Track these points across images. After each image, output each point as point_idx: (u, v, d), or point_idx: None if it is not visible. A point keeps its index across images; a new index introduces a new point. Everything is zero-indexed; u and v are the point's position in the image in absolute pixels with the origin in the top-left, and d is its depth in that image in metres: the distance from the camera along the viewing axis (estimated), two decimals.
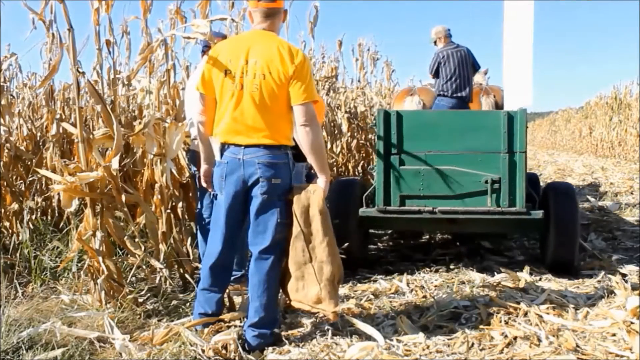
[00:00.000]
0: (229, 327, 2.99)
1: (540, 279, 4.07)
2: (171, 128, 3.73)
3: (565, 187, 4.59)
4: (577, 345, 2.85)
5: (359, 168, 8.90)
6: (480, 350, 2.87)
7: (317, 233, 2.78)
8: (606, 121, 19.07)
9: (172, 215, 3.96)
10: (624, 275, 4.11)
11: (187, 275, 3.82)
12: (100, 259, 3.28)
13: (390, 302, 3.59)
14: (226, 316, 3.04)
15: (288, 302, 2.98)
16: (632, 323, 3.02)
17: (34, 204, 4.81)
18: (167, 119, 3.92)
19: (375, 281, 4.13)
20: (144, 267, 3.69)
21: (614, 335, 2.96)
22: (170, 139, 3.73)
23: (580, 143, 22.90)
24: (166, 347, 2.80)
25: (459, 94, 5.79)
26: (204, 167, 3.05)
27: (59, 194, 3.90)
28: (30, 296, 3.57)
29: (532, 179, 5.04)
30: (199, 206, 3.88)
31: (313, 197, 2.78)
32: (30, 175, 4.89)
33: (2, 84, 4.87)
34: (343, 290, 3.84)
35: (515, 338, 2.94)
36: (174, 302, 3.55)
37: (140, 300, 3.45)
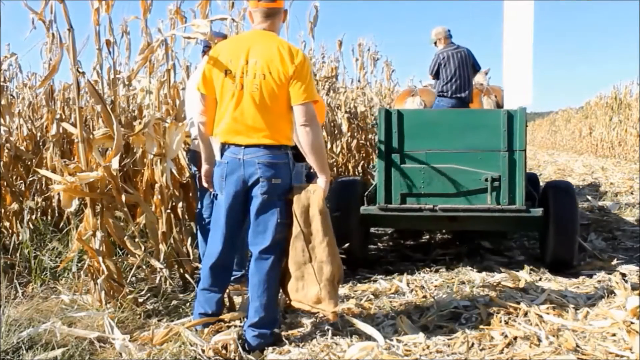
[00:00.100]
0: (229, 327, 2.99)
1: (540, 279, 4.08)
2: (171, 128, 3.73)
3: (565, 185, 4.62)
4: (577, 345, 2.85)
5: (359, 168, 8.90)
6: (480, 350, 2.87)
7: (317, 233, 2.77)
8: (606, 121, 19.07)
9: (172, 215, 3.96)
10: (624, 275, 4.11)
11: (187, 275, 3.82)
12: (100, 259, 3.28)
13: (390, 302, 3.59)
14: (226, 316, 3.04)
15: (288, 302, 2.98)
16: (632, 323, 3.02)
17: (34, 204, 4.81)
18: (167, 119, 3.92)
19: (375, 281, 4.13)
20: (144, 267, 3.69)
21: (614, 335, 2.96)
22: (170, 139, 3.73)
23: (580, 143, 22.90)
24: (166, 347, 2.80)
25: (458, 95, 5.80)
26: (204, 167, 3.05)
27: (59, 194, 3.90)
28: (30, 296, 3.57)
29: (532, 179, 5.06)
30: (199, 206, 3.88)
31: (313, 197, 2.78)
32: (30, 175, 4.89)
33: (2, 84, 4.87)
34: (343, 290, 3.84)
35: (515, 338, 2.94)
36: (174, 302, 3.55)
37: (140, 300, 3.45)
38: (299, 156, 2.99)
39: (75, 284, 3.64)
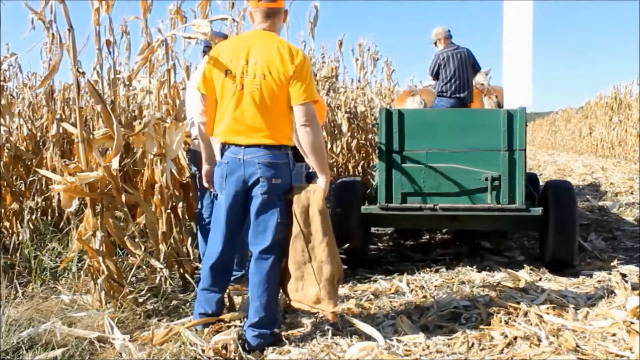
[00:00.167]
0: (229, 327, 2.99)
1: (540, 279, 4.08)
2: (171, 128, 3.73)
3: (564, 185, 4.64)
4: (577, 345, 2.85)
5: (359, 168, 8.90)
6: (480, 350, 2.87)
7: (317, 233, 2.77)
8: (606, 121, 19.07)
9: (172, 215, 3.96)
10: (624, 275, 4.11)
11: (187, 275, 3.82)
12: (100, 259, 3.28)
13: (390, 302, 3.59)
14: (226, 316, 3.04)
15: (288, 302, 2.98)
16: (632, 323, 3.02)
17: (34, 204, 4.81)
18: (167, 119, 3.92)
19: (375, 281, 4.13)
20: (144, 267, 3.69)
21: (614, 335, 2.96)
22: (171, 139, 3.73)
23: (580, 143, 22.90)
24: (166, 347, 2.80)
25: (458, 95, 5.82)
26: (205, 167, 3.05)
27: (59, 194, 3.90)
28: (30, 296, 3.57)
29: (532, 179, 5.07)
30: (199, 206, 3.88)
31: (313, 197, 2.78)
32: (30, 175, 4.89)
33: (2, 84, 4.87)
34: (343, 290, 3.84)
35: (515, 338, 2.94)
36: (174, 302, 3.55)
37: (140, 300, 3.45)
38: (298, 156, 2.99)
39: (75, 284, 3.64)
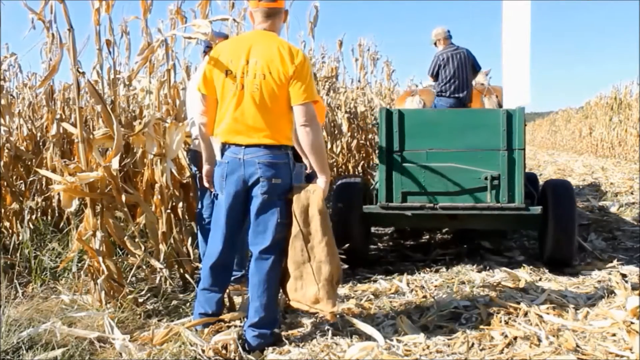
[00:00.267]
0: (229, 327, 2.99)
1: (540, 279, 4.08)
2: (171, 128, 3.73)
3: (563, 184, 4.66)
4: (577, 345, 2.85)
5: (359, 168, 8.90)
6: (481, 350, 2.87)
7: (316, 233, 2.77)
8: (606, 121, 19.07)
9: (172, 215, 3.96)
10: (624, 275, 4.11)
11: (187, 275, 3.82)
12: (100, 259, 3.28)
13: (390, 302, 3.59)
14: (226, 316, 3.04)
15: (288, 301, 2.98)
16: (632, 323, 3.02)
17: (34, 204, 4.81)
18: (167, 119, 3.92)
19: (375, 281, 4.13)
20: (144, 267, 3.69)
21: (614, 335, 2.96)
22: (171, 139, 3.74)
23: (580, 143, 22.90)
24: (166, 347, 2.80)
25: (457, 95, 5.84)
26: (205, 167, 3.06)
27: (59, 194, 3.90)
28: (30, 296, 3.57)
29: (531, 178, 5.09)
30: (199, 206, 3.88)
31: (313, 196, 2.78)
32: (30, 175, 4.89)
33: (2, 83, 4.87)
34: (343, 290, 3.85)
35: (515, 338, 2.94)
36: (174, 302, 3.55)
37: (140, 300, 3.45)
38: (296, 156, 3.00)
39: (75, 284, 3.64)
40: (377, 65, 10.27)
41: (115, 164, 3.31)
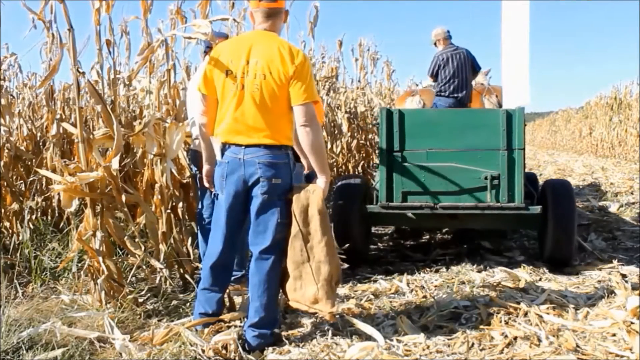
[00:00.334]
0: (229, 327, 2.99)
1: (540, 279, 4.08)
2: (171, 128, 3.73)
3: (563, 183, 4.67)
4: (577, 345, 2.85)
5: (359, 168, 8.90)
6: (481, 350, 2.87)
7: (316, 233, 2.77)
8: (606, 121, 19.07)
9: (172, 215, 3.96)
10: (624, 275, 4.12)
11: (187, 275, 3.82)
12: (100, 259, 3.28)
13: (390, 302, 3.59)
14: (226, 316, 3.05)
15: (288, 301, 2.98)
16: (632, 323, 3.02)
17: (34, 204, 4.81)
18: (167, 119, 3.92)
19: (375, 281, 4.13)
20: (144, 267, 3.69)
21: (614, 335, 2.96)
22: (171, 139, 3.74)
23: (580, 143, 22.90)
24: (166, 347, 2.80)
25: (456, 95, 5.85)
26: (205, 167, 3.06)
27: (59, 194, 3.90)
28: (30, 296, 3.57)
29: (531, 178, 5.09)
30: (199, 206, 3.88)
31: (312, 196, 2.78)
32: (30, 175, 4.89)
33: (2, 83, 4.87)
34: (343, 290, 3.85)
35: (515, 338, 2.94)
36: (174, 302, 3.55)
37: (140, 300, 3.45)
38: (295, 156, 3.00)
39: (75, 284, 3.64)
40: (377, 65, 10.29)
41: (115, 164, 3.31)
